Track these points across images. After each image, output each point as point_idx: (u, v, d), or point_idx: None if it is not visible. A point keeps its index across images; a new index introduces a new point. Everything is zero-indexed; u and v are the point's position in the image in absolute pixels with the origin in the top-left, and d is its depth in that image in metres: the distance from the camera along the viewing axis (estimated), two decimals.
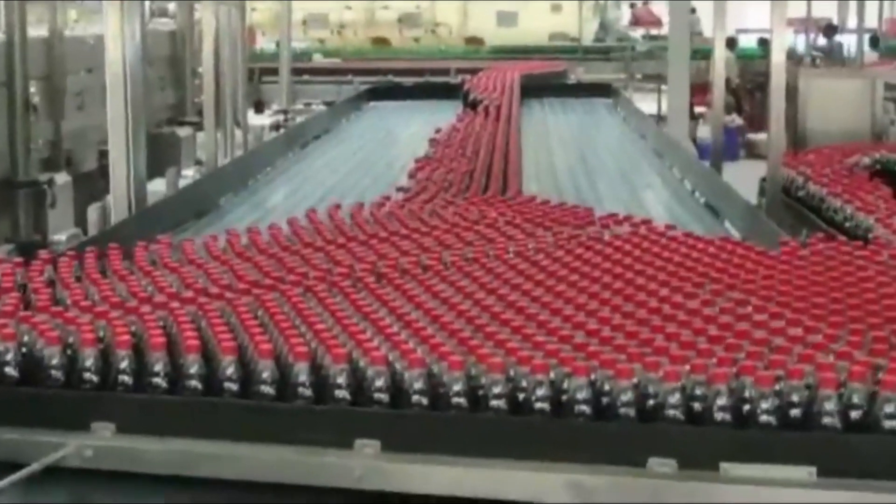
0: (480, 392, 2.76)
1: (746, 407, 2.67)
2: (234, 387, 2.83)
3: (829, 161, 6.20)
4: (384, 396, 2.76)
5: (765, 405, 2.66)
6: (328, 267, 3.83)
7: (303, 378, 2.78)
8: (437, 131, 7.60)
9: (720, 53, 8.25)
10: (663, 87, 13.22)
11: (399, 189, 5.60)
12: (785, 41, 6.36)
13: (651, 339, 2.99)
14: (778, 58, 6.18)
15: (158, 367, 2.87)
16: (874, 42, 18.93)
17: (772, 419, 2.65)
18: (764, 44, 19.36)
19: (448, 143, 7.03)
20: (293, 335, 2.97)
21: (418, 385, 2.76)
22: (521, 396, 2.75)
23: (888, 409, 2.64)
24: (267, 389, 2.81)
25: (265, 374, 2.80)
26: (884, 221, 4.56)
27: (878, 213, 4.75)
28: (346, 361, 2.80)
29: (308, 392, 2.78)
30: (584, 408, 2.70)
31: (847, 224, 4.89)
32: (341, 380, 2.78)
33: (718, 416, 2.66)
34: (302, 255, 4.04)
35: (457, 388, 2.75)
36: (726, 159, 12.51)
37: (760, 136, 8.09)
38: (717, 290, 3.53)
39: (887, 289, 3.52)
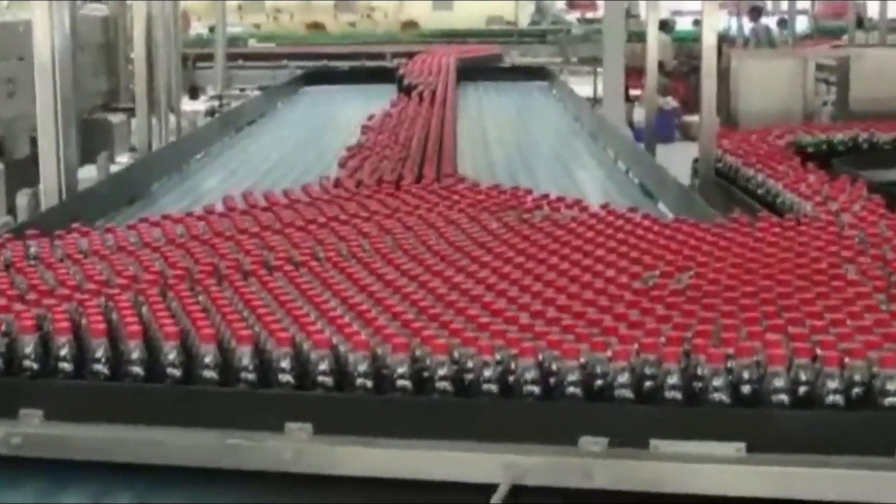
0: (424, 374, 2.75)
1: (697, 385, 2.67)
2: (174, 372, 2.82)
3: (760, 141, 6.25)
4: (326, 379, 2.75)
5: (699, 384, 2.67)
6: (264, 253, 3.82)
7: (209, 360, 2.78)
8: (370, 118, 7.48)
9: (653, 36, 8.29)
10: (599, 69, 13.22)
11: (327, 178, 5.51)
12: (716, 22, 6.39)
13: (599, 319, 2.98)
14: (709, 39, 6.22)
15: (98, 354, 2.85)
16: (782, 24, 19.13)
17: (715, 396, 2.66)
18: (699, 25, 19.44)
19: (381, 129, 6.95)
20: (201, 319, 2.96)
21: (362, 368, 2.75)
22: (468, 378, 2.74)
23: (830, 384, 2.66)
24: (188, 371, 2.80)
25: (175, 358, 2.80)
26: (812, 199, 4.60)
27: (806, 191, 4.79)
28: (289, 345, 2.79)
29: (223, 375, 2.78)
30: (533, 388, 2.70)
31: (777, 202, 4.94)
32: (250, 362, 2.77)
33: (669, 394, 2.66)
34: (238, 241, 4.02)
35: (401, 370, 2.74)
36: (661, 141, 12.57)
37: (695, 118, 8.13)
38: (665, 269, 3.54)
39: (819, 265, 3.55)
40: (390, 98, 8.77)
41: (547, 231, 4.13)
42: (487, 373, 2.72)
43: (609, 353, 2.71)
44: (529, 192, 4.90)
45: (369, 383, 2.74)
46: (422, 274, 3.50)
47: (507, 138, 7.92)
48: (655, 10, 8.61)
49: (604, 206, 4.60)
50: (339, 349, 2.82)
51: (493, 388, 2.71)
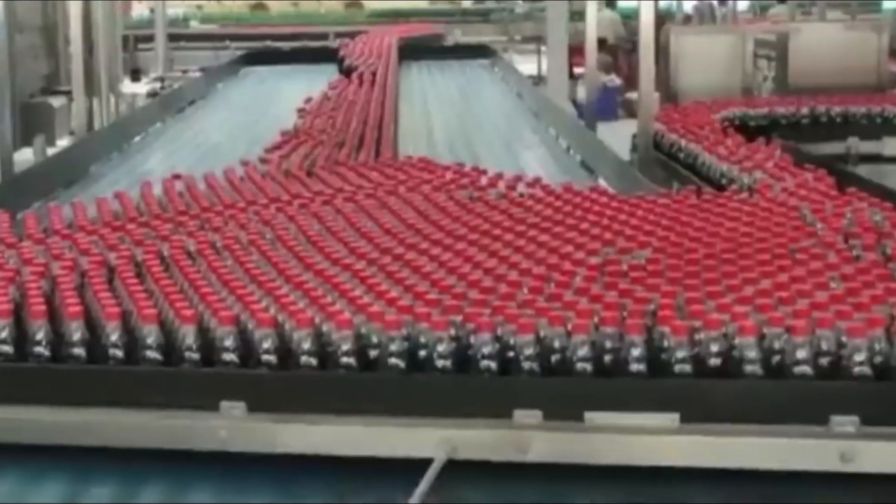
0: (371, 351, 2.74)
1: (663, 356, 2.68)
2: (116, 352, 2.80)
3: (697, 116, 6.29)
4: (269, 357, 2.74)
5: (635, 353, 2.68)
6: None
7: (151, 341, 2.77)
8: (307, 101, 7.36)
9: (591, 13, 8.31)
10: (543, 48, 13.25)
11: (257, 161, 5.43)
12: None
13: (559, 294, 2.97)
14: (646, 15, 6.24)
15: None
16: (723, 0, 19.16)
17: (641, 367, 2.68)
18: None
19: (318, 112, 6.85)
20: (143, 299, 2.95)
21: (305, 345, 2.74)
22: (422, 353, 2.73)
23: (748, 354, 2.68)
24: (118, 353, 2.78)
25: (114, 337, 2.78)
26: (749, 171, 4.64)
27: (744, 163, 4.83)
28: (233, 324, 2.79)
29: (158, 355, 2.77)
30: (489, 363, 2.70)
31: (714, 175, 4.98)
32: (192, 341, 2.76)
33: (633, 367, 2.66)
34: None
35: (345, 347, 2.73)
36: (605, 118, 12.62)
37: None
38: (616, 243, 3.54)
39: (765, 233, 3.58)
40: (327, 81, 8.68)
41: (501, 209, 4.11)
42: (441, 348, 2.71)
43: (567, 327, 2.71)
44: (484, 171, 4.88)
45: (312, 361, 2.73)
46: (371, 252, 3.48)
47: (448, 118, 7.92)
48: None
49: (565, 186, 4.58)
50: (283, 327, 2.81)
51: (447, 363, 2.70)
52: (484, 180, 4.66)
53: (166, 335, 2.82)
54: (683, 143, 5.71)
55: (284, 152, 5.53)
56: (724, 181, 4.84)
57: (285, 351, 2.77)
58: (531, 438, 2.60)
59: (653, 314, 2.81)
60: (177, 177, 4.80)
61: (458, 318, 2.78)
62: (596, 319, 2.75)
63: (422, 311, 2.80)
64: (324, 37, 15.58)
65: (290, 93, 9.06)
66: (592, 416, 2.62)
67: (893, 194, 4.17)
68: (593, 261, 3.31)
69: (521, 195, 4.38)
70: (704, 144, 5.38)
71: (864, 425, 2.56)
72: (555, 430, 2.62)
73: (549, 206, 4.13)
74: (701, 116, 6.28)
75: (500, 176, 4.68)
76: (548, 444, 2.60)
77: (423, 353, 2.73)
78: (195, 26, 19.26)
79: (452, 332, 2.74)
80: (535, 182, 4.59)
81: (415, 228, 3.81)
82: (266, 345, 2.76)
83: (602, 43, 14.79)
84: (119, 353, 2.81)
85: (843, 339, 2.69)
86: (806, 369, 2.67)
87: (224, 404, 2.69)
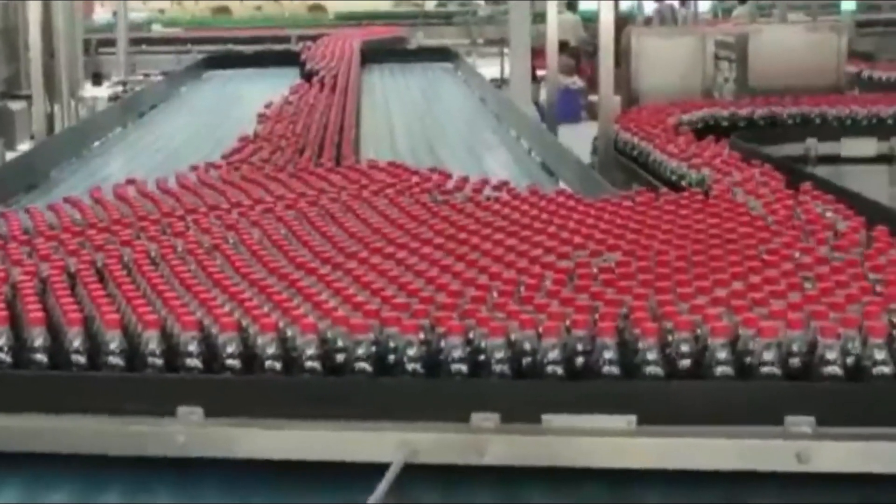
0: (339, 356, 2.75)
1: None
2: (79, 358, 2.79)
3: (657, 118, 6.32)
4: (234, 363, 2.74)
5: (598, 355, 2.69)
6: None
7: (115, 346, 2.76)
8: (267, 105, 7.30)
9: (552, 16, 8.34)
10: (506, 51, 13.26)
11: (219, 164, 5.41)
12: (612, 1, 6.45)
13: (531, 297, 2.98)
14: (606, 17, 6.27)
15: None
16: (684, 2, 19.24)
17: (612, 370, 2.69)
18: None
19: (279, 117, 6.78)
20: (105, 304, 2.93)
21: (271, 350, 2.74)
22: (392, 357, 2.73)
23: (705, 356, 2.69)
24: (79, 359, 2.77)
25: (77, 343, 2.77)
26: (697, 169, 4.67)
27: (705, 167, 4.85)
28: (197, 329, 2.78)
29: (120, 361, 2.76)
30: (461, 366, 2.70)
31: (674, 177, 5.00)
32: (155, 346, 2.75)
33: (605, 369, 2.67)
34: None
35: (310, 351, 2.73)
36: (568, 121, 12.63)
37: None
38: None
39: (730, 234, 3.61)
40: (290, 84, 8.64)
41: (468, 212, 4.09)
42: (411, 352, 2.71)
43: (539, 330, 2.71)
44: (450, 175, 4.87)
45: (276, 365, 2.73)
46: (336, 256, 3.47)
47: (411, 121, 7.92)
48: None
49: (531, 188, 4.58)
50: (247, 331, 2.81)
51: (418, 367, 2.71)
52: (450, 184, 4.65)
53: (129, 341, 2.81)
54: (642, 145, 5.74)
55: (242, 157, 5.50)
56: (682, 182, 4.87)
57: (247, 355, 2.77)
58: (488, 442, 2.61)
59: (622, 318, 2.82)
60: (131, 182, 4.78)
61: (427, 322, 2.78)
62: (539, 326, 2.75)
63: (389, 315, 2.80)
64: (286, 40, 15.54)
65: (252, 96, 9.03)
66: (550, 419, 2.63)
67: (838, 188, 4.23)
68: (561, 264, 3.31)
69: (488, 198, 4.38)
70: (662, 146, 5.41)
71: (820, 426, 2.58)
72: (512, 433, 2.62)
73: (516, 209, 4.13)
74: (660, 119, 6.30)
75: (466, 179, 4.67)
76: (505, 447, 2.61)
77: (391, 357, 2.73)
78: (157, 30, 19.18)
79: (422, 335, 2.74)
80: (502, 185, 4.59)
81: (380, 232, 3.80)
82: (229, 349, 2.75)
83: (564, 45, 14.82)
84: (81, 360, 2.80)
85: (803, 340, 2.70)
86: (763, 370, 2.68)
87: (181, 410, 2.68)
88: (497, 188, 4.56)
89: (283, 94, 7.84)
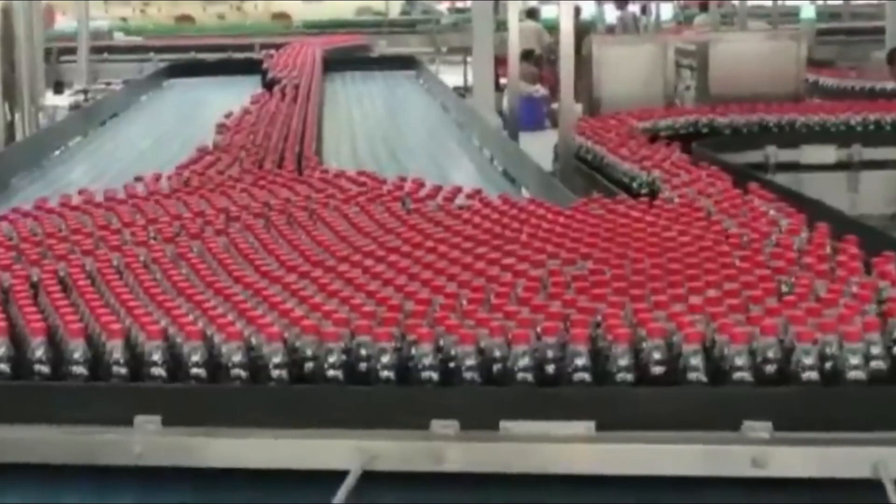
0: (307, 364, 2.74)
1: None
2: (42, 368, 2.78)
3: (616, 125, 6.34)
4: (200, 372, 2.73)
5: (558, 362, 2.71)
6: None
7: (78, 356, 2.74)
8: (228, 115, 7.16)
9: (514, 24, 8.36)
10: (470, 59, 13.28)
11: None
12: (571, 8, 6.48)
13: (501, 304, 2.97)
14: (566, 25, 6.29)
15: None
16: (645, 11, 19.31)
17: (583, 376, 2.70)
18: (575, 12, 19.53)
19: (238, 128, 6.66)
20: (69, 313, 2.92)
21: (236, 358, 2.74)
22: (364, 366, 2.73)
23: (666, 361, 2.71)
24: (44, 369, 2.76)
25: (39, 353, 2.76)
26: (670, 182, 4.69)
27: (662, 173, 4.88)
28: (162, 338, 2.77)
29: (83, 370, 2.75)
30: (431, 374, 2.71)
31: (633, 184, 5.02)
32: (118, 356, 2.74)
33: (578, 375, 2.68)
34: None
35: (276, 359, 2.73)
36: (532, 129, 12.67)
37: None
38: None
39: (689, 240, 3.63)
40: (253, 93, 8.56)
41: (436, 220, 4.07)
42: (385, 359, 2.71)
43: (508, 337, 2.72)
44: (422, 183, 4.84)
45: (243, 373, 2.73)
46: (302, 265, 3.45)
47: (373, 130, 7.91)
48: None
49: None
50: (212, 340, 2.81)
51: (390, 374, 2.71)
52: (423, 192, 4.62)
53: (92, 350, 2.80)
54: (600, 151, 5.76)
55: (199, 168, 5.44)
56: (642, 190, 4.90)
57: (211, 364, 2.76)
58: (447, 449, 2.61)
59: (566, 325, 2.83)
60: (83, 192, 4.76)
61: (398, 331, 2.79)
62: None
63: (361, 323, 2.80)
64: (250, 48, 15.52)
65: (215, 105, 9.01)
66: (508, 426, 2.63)
67: (782, 188, 4.28)
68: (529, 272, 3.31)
69: (460, 207, 4.36)
70: (617, 152, 5.44)
71: (776, 430, 2.59)
72: (470, 440, 2.63)
73: (487, 217, 4.10)
74: (619, 126, 6.33)
75: (439, 188, 4.64)
76: (463, 453, 2.61)
77: (363, 365, 2.74)
78: (120, 38, 19.11)
79: (394, 343, 2.74)
80: (475, 194, 4.57)
81: (348, 241, 3.78)
82: (193, 358, 2.75)
83: (528, 54, 14.85)
84: (44, 369, 2.78)
85: (747, 346, 2.72)
86: (723, 376, 2.70)
87: (138, 419, 2.68)
88: (470, 196, 4.53)
89: (242, 104, 7.78)
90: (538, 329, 2.76)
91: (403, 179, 4.91)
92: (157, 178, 5.14)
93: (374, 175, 5.11)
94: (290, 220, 4.14)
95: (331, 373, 2.73)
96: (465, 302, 3.02)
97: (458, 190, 4.62)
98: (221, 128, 6.75)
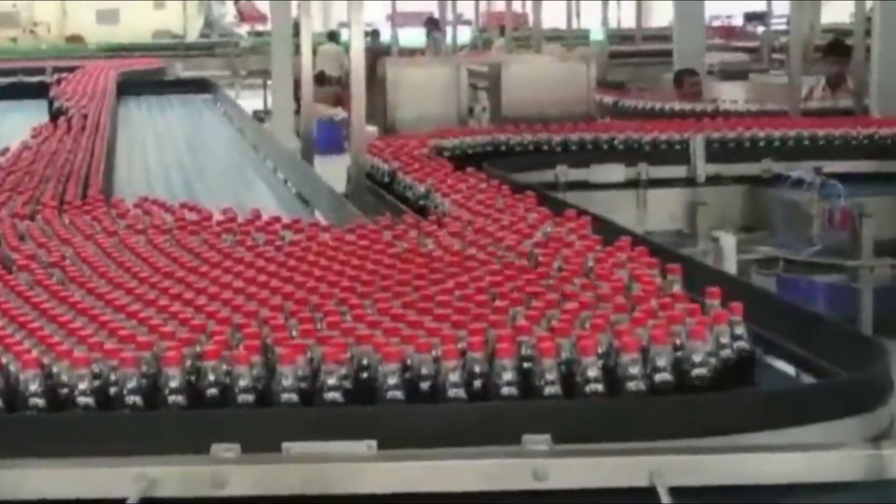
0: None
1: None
2: None
3: (407, 145, 6.39)
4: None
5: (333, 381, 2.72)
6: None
7: None
8: (3, 152, 6.47)
9: (307, 45, 8.37)
10: (270, 82, 13.25)
11: None
12: (361, 31, 6.53)
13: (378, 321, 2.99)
14: (356, 46, 6.33)
15: None
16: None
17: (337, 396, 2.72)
18: (373, 35, 19.67)
19: (14, 167, 6.00)
20: None
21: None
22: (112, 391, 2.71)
23: (452, 378, 2.74)
24: None
25: None
26: (457, 201, 4.74)
27: (451, 193, 4.92)
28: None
29: None
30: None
31: (423, 203, 5.07)
32: None
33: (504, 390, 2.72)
34: None
35: (33, 387, 2.69)
36: (331, 152, 12.68)
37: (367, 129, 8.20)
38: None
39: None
40: (32, 126, 7.80)
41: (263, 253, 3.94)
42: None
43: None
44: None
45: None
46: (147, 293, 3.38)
47: (167, 157, 7.81)
48: (308, 20, 8.69)
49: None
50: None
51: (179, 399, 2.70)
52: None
53: None
54: (394, 172, 5.81)
55: None
56: (429, 207, 4.95)
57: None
58: (228, 473, 2.58)
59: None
60: None
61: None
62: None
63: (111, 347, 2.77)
64: (41, 71, 15.14)
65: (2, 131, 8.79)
66: (289, 446, 2.62)
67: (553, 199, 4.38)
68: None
69: (283, 238, 4.18)
70: (414, 174, 5.48)
71: (556, 443, 2.64)
72: (252, 463, 2.60)
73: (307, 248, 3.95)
74: (409, 146, 6.38)
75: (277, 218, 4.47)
76: (245, 477, 2.59)
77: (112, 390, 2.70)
78: None
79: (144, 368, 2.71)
80: (294, 223, 4.41)
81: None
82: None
83: (321, 77, 14.86)
84: None
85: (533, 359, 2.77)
86: (501, 391, 2.74)
87: None
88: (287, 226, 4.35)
89: (21, 140, 7.16)
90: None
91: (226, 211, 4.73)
92: None
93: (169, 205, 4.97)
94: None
95: (84, 400, 2.69)
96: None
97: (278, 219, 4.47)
98: None
